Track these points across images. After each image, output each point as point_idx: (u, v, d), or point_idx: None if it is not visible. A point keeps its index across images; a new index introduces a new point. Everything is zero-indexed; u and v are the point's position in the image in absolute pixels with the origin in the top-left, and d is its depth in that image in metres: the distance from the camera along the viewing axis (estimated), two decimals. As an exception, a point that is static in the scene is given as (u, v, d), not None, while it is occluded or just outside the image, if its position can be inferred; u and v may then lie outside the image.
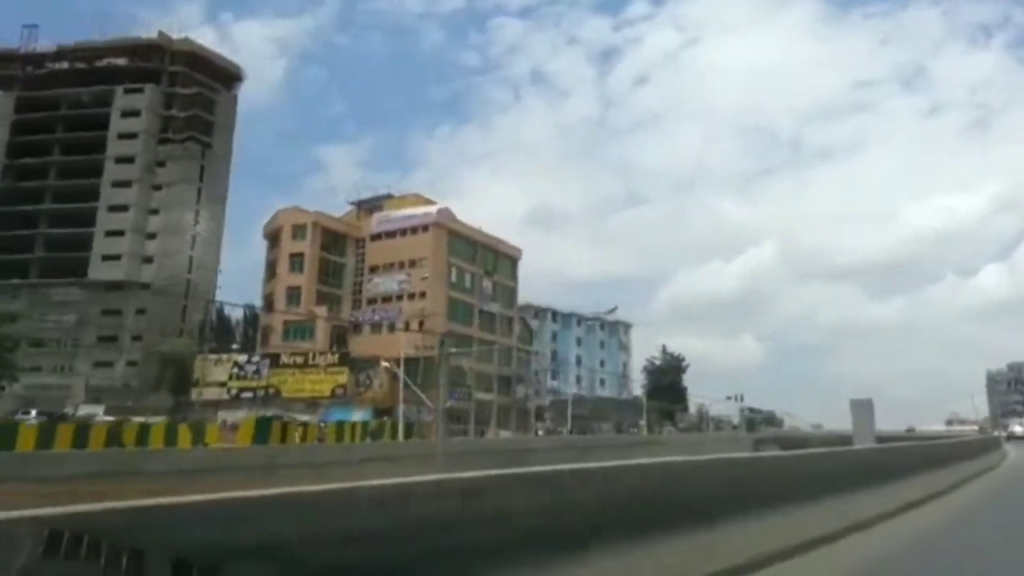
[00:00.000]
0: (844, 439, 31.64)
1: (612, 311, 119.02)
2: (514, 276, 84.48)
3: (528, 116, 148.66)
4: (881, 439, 27.41)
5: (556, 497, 3.75)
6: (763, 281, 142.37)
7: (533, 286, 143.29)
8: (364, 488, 2.97)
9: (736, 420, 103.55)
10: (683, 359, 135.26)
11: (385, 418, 47.90)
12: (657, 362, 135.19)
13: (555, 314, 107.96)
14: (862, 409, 32.99)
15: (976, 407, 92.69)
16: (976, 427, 71.93)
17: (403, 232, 72.05)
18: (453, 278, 73.56)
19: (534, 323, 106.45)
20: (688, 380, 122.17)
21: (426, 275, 68.44)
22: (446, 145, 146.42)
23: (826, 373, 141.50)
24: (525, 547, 3.33)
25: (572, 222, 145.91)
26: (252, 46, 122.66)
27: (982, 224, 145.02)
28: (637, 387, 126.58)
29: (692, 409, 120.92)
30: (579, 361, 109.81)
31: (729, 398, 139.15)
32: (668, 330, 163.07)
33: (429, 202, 77.11)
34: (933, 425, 76.79)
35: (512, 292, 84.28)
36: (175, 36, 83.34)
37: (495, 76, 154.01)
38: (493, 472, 3.60)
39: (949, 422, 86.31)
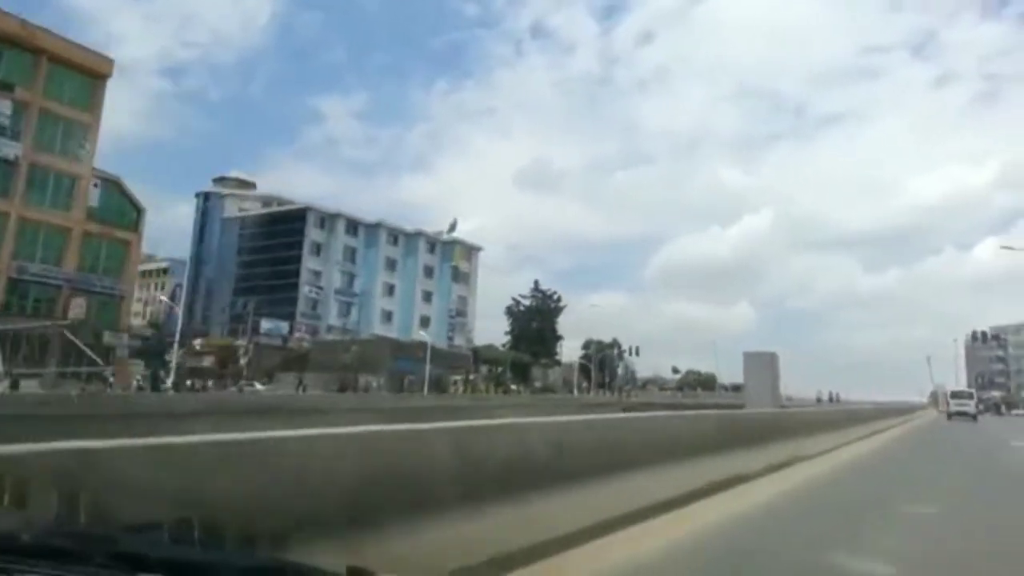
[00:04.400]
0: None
1: (452, 228, 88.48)
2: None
3: (529, 72, 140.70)
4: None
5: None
6: (761, 248, 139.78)
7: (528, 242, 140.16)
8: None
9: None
10: (559, 299, 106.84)
11: None
12: (526, 302, 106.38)
13: (354, 224, 75.89)
14: (760, 365, 25.78)
15: (933, 379, 77.48)
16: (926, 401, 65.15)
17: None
18: None
19: (319, 233, 74.45)
20: (640, 339, 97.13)
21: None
22: (445, 99, 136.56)
23: (821, 342, 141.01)
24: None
25: (571, 181, 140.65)
26: None
27: (986, 197, 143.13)
28: (495, 330, 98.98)
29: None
30: (391, 291, 78.44)
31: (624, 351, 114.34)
32: (664, 295, 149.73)
33: None
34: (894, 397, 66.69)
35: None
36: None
37: (496, 29, 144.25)
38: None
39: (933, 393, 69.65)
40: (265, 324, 67.80)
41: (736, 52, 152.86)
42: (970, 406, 42.68)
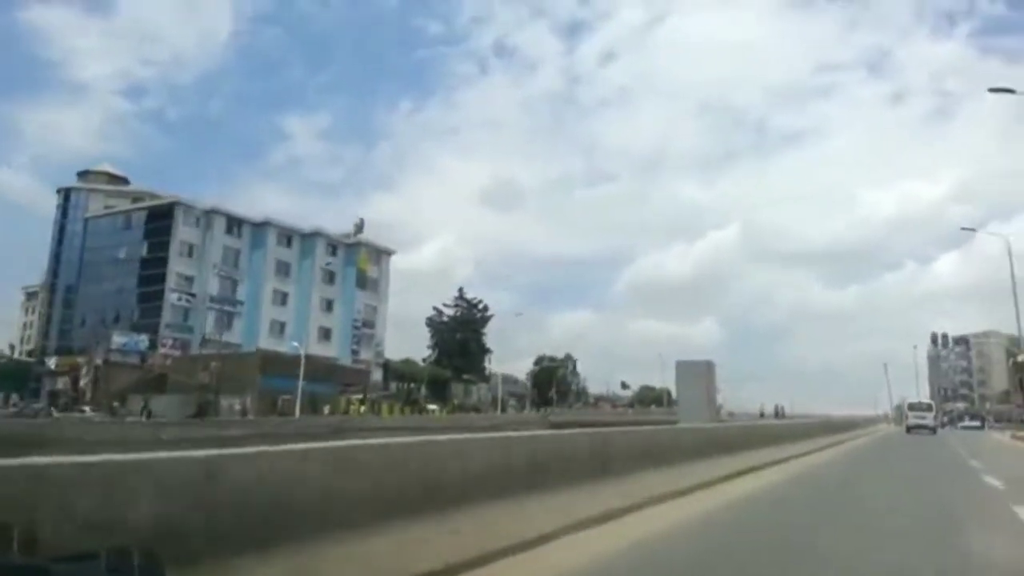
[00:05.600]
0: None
1: (359, 229, 79.12)
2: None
3: (493, 90, 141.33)
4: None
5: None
6: (725, 263, 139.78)
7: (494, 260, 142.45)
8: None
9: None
10: (485, 308, 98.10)
11: None
12: (450, 311, 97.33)
13: (237, 222, 66.10)
14: (694, 375, 23.25)
15: (891, 390, 76.82)
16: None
17: None
18: None
19: (192, 232, 64.72)
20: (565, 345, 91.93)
21: None
22: (409, 118, 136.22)
23: (785, 355, 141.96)
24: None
25: (536, 199, 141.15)
26: (206, 4, 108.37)
27: (941, 212, 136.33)
28: (416, 344, 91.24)
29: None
30: (283, 299, 68.72)
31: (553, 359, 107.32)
32: (630, 312, 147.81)
33: None
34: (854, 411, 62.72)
35: None
36: None
37: (460, 48, 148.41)
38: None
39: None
40: (118, 338, 57.57)
41: (696, 71, 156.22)
42: (928, 419, 40.04)
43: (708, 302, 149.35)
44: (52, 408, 50.34)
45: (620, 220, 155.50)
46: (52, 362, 63.31)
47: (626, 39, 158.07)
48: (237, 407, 50.55)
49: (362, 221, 78.03)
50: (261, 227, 68.63)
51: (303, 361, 49.49)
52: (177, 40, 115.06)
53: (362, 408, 60.86)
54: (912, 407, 42.79)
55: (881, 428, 49.24)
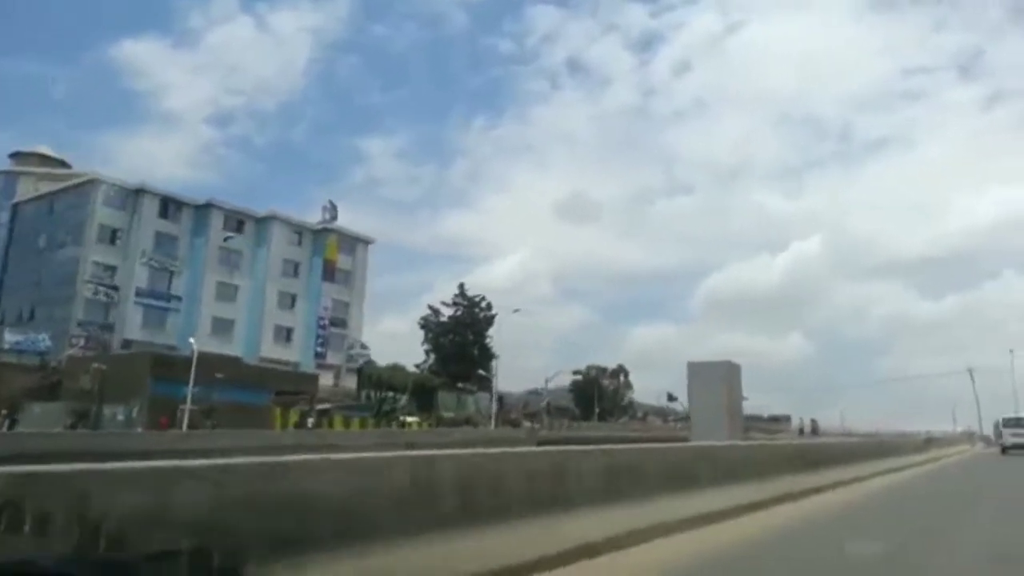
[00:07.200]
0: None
1: (332, 216, 68.89)
2: None
3: (566, 106, 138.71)
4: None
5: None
6: (810, 276, 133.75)
7: (571, 275, 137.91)
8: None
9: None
10: (488, 307, 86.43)
11: None
12: (448, 309, 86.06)
13: (175, 203, 56.63)
14: (712, 380, 18.53)
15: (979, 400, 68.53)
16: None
17: None
18: None
19: (115, 215, 55.75)
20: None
21: None
22: (484, 135, 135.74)
23: (878, 370, 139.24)
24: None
25: (611, 214, 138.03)
26: (287, 35, 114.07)
27: None
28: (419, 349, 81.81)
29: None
30: (233, 293, 59.03)
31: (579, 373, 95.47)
32: (711, 326, 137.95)
33: None
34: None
35: None
36: None
37: (532, 66, 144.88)
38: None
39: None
40: (10, 336, 48.53)
41: (775, 79, 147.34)
42: None
43: (794, 315, 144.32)
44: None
45: (699, 232, 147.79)
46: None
47: (700, 49, 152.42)
48: (120, 417, 40.61)
49: (332, 204, 67.89)
50: (203, 209, 59.10)
51: (194, 361, 39.04)
52: (260, 69, 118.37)
53: (309, 420, 50.49)
54: (1009, 423, 35.10)
55: (963, 449, 37.63)
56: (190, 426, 38.61)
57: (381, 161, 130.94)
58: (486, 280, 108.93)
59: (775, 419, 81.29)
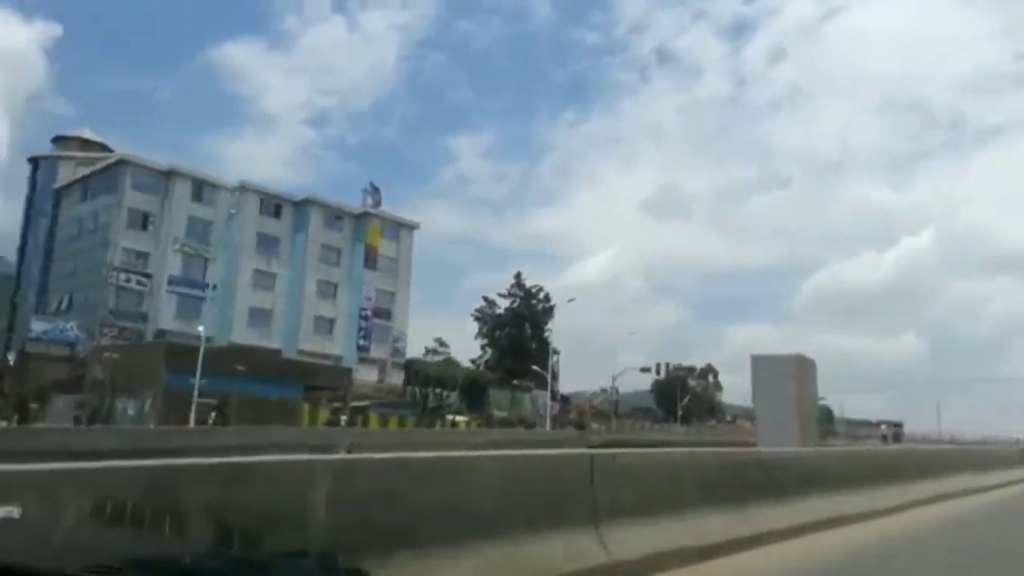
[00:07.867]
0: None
1: (376, 201, 65.06)
2: None
3: (656, 98, 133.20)
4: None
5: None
6: (923, 272, 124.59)
7: (662, 271, 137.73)
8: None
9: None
10: (547, 298, 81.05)
11: None
12: (505, 300, 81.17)
13: (209, 186, 53.91)
14: (781, 377, 16.41)
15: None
16: None
17: None
18: None
19: (147, 199, 53.48)
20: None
21: None
22: (572, 130, 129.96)
23: (1002, 371, 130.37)
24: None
25: (703, 208, 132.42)
26: (376, 34, 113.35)
27: None
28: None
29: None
30: (271, 282, 56.02)
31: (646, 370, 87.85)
32: (815, 325, 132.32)
33: None
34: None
35: None
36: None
37: (619, 58, 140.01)
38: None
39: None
40: (37, 326, 46.46)
41: (877, 65, 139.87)
42: None
43: (905, 313, 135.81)
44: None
45: (798, 227, 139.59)
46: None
47: (796, 35, 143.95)
48: (131, 412, 37.48)
49: (374, 187, 64.02)
50: (239, 192, 56.11)
51: (201, 350, 35.46)
52: (351, 69, 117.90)
53: (342, 418, 46.68)
54: None
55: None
56: (198, 421, 35.14)
57: (469, 159, 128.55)
58: (577, 278, 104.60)
59: (872, 425, 74.66)
